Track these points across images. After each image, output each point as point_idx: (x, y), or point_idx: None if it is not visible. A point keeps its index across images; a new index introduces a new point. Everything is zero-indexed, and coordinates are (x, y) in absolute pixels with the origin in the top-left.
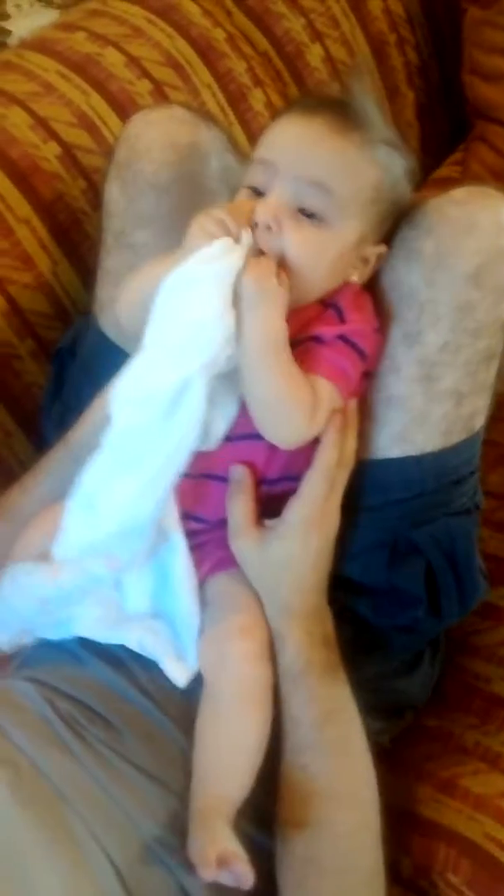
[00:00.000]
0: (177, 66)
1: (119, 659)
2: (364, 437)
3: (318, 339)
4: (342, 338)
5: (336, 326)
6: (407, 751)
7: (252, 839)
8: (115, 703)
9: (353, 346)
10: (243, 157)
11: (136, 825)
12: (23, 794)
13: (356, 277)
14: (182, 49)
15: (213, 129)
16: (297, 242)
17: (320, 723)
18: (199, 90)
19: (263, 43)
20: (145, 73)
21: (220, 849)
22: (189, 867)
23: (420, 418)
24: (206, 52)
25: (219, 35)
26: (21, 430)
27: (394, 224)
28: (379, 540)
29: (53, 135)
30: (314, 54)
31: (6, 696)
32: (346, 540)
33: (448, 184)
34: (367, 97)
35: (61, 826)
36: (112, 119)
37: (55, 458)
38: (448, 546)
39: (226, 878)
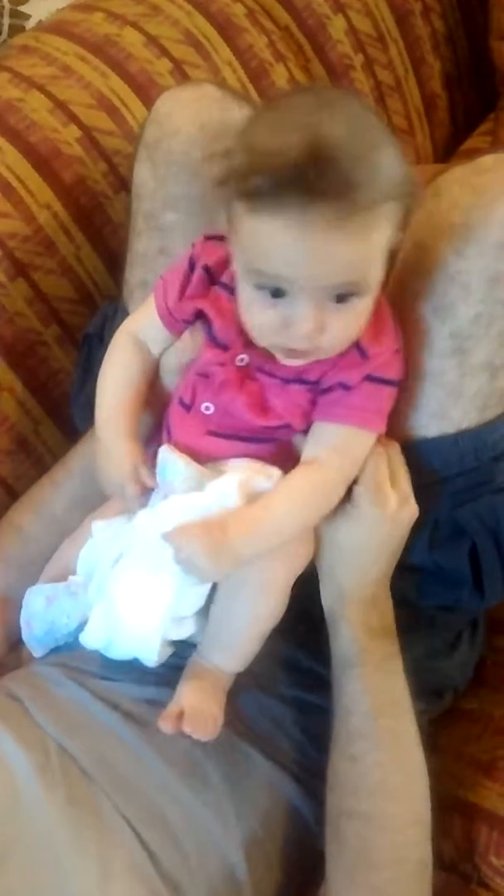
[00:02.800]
0: (196, 44)
1: None
2: (400, 415)
3: (344, 386)
4: (369, 377)
5: (360, 368)
6: (447, 733)
7: (293, 804)
8: (146, 677)
9: (382, 381)
10: None
11: (169, 799)
12: (53, 778)
13: None
14: (201, 26)
15: (245, 106)
16: (340, 331)
17: (374, 713)
18: (219, 68)
19: (284, 17)
20: (164, 52)
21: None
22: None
23: (455, 393)
24: (226, 29)
25: (238, 10)
26: (49, 417)
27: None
28: (419, 520)
29: (73, 118)
30: (337, 27)
31: (31, 680)
32: None
33: (477, 155)
34: (352, 131)
35: (90, 806)
36: (132, 100)
37: (84, 453)
38: (492, 524)
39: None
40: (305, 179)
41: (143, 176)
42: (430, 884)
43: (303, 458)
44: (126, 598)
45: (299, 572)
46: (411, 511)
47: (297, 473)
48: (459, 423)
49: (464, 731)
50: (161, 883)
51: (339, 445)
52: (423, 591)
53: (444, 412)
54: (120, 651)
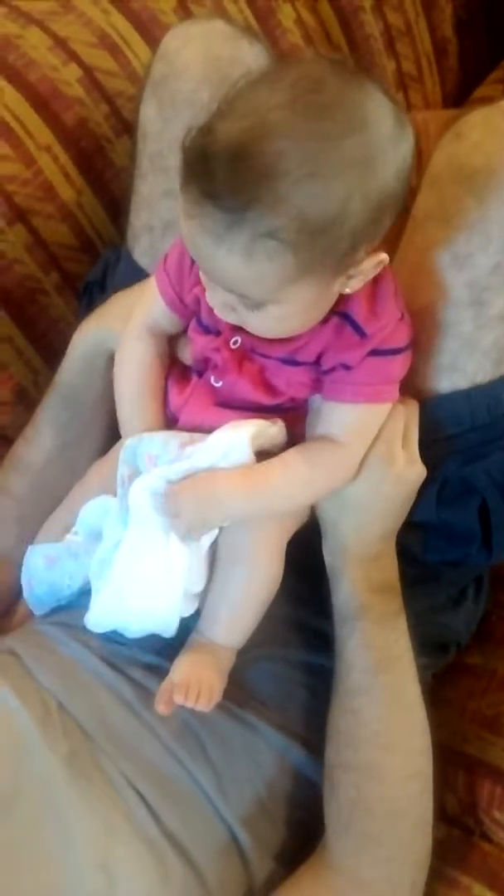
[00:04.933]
0: None
1: None
2: (411, 368)
3: (346, 366)
4: (373, 352)
5: (360, 347)
6: (451, 688)
7: (302, 772)
8: (150, 642)
9: (389, 352)
10: None
11: (168, 761)
12: (55, 734)
13: (350, 289)
14: None
15: (255, 44)
16: (255, 325)
17: (374, 669)
18: (225, 6)
19: None
20: None
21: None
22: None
23: (469, 346)
24: None
25: None
26: (49, 367)
27: (393, 214)
28: (427, 477)
29: (74, 56)
30: None
31: (33, 639)
32: None
33: (490, 104)
34: (296, 149)
35: (92, 763)
36: (134, 39)
37: (48, 404)
38: (502, 481)
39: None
40: (208, 174)
41: (149, 115)
42: (430, 837)
43: (317, 434)
44: (138, 581)
45: (293, 530)
46: (418, 471)
47: (310, 448)
48: (473, 377)
49: (468, 686)
50: (164, 840)
51: (352, 424)
52: (428, 546)
53: (457, 364)
54: (135, 631)
